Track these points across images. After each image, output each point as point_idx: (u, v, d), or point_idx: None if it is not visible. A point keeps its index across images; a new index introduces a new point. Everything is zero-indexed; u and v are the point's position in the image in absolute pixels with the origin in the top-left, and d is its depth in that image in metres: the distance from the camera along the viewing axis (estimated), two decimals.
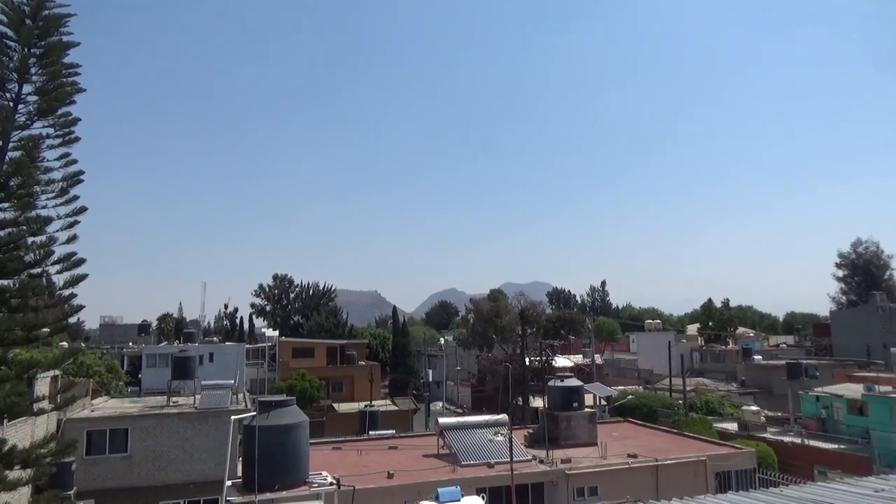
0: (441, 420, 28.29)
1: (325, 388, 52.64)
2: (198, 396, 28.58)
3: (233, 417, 20.02)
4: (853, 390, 37.40)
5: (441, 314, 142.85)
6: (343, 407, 50.11)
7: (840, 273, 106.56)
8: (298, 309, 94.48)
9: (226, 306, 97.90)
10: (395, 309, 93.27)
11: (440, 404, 55.09)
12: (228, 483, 17.71)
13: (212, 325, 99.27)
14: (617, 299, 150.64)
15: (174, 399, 29.45)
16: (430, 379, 57.18)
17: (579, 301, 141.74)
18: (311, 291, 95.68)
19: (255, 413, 19.09)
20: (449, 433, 25.91)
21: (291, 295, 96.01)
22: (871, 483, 11.97)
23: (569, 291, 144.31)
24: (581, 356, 66.48)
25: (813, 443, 33.77)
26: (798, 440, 34.35)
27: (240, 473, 19.32)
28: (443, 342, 74.04)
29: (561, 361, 58.15)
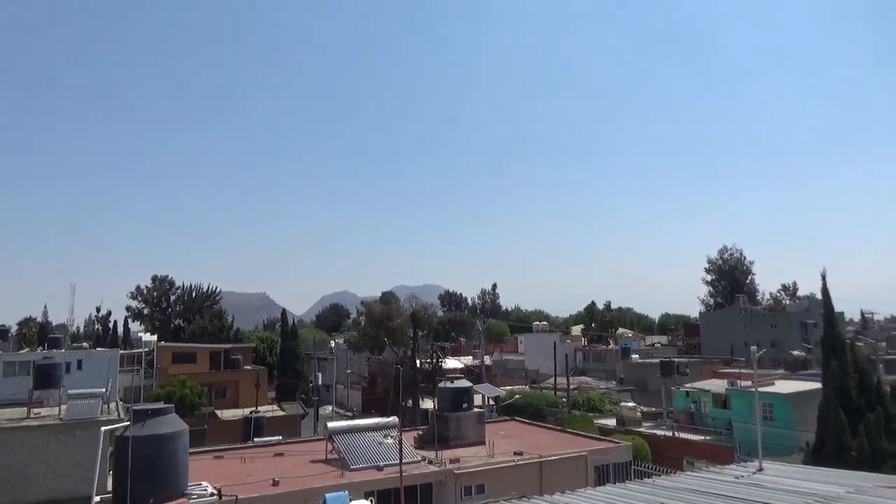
0: (330, 424, 27.75)
1: (207, 395, 50.34)
2: (63, 407, 26.41)
3: (103, 428, 18.62)
4: (718, 386, 40.45)
5: (332, 317, 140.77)
6: (226, 414, 48.10)
7: (708, 277, 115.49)
8: (180, 312, 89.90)
9: (98, 309, 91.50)
10: (284, 311, 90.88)
11: (329, 408, 54.25)
12: (97, 499, 16.46)
13: (81, 330, 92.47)
14: (506, 302, 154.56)
15: (36, 410, 27.05)
16: (320, 383, 56.09)
17: (470, 303, 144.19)
18: (193, 293, 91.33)
19: (128, 423, 17.89)
20: (338, 437, 25.44)
21: (172, 297, 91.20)
22: (732, 471, 12.93)
23: (460, 294, 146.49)
24: (471, 357, 67.65)
25: (683, 435, 36.19)
26: (670, 433, 36.70)
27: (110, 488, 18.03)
28: (333, 345, 72.98)
29: (451, 363, 58.91)
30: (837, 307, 27.61)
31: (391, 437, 23.50)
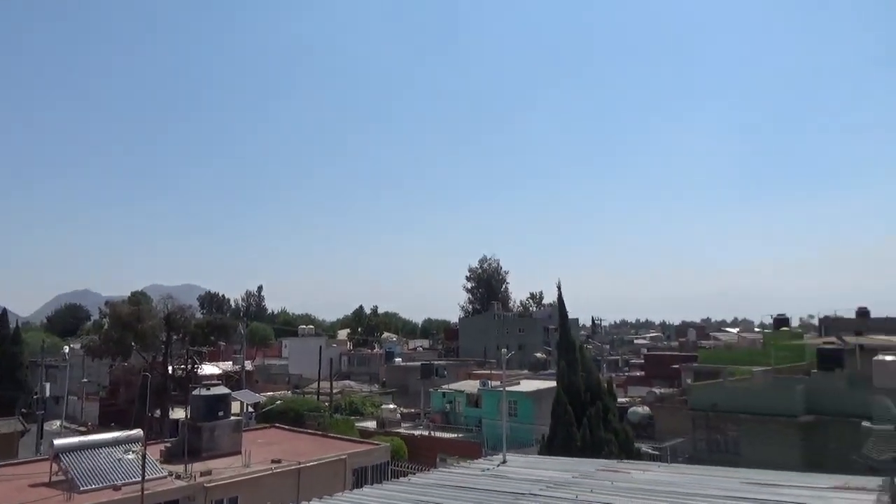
0: (57, 441, 24.28)
1: None
2: None
3: None
4: (472, 386, 43.38)
5: (68, 318, 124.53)
6: None
7: (469, 285, 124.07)
8: None
9: None
10: (4, 311, 77.97)
11: (58, 423, 47.69)
12: None
13: None
14: (273, 304, 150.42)
15: None
16: (48, 394, 49.09)
17: (233, 305, 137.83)
18: None
19: None
20: (66, 455, 22.35)
21: None
22: (479, 464, 13.84)
23: (222, 296, 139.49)
24: (231, 363, 64.43)
25: (438, 434, 38.11)
26: (426, 432, 38.41)
27: None
28: (67, 351, 64.54)
29: (209, 369, 55.40)
30: (576, 314, 31.50)
31: (133, 451, 21.39)
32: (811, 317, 68.66)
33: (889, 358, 29.59)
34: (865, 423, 12.67)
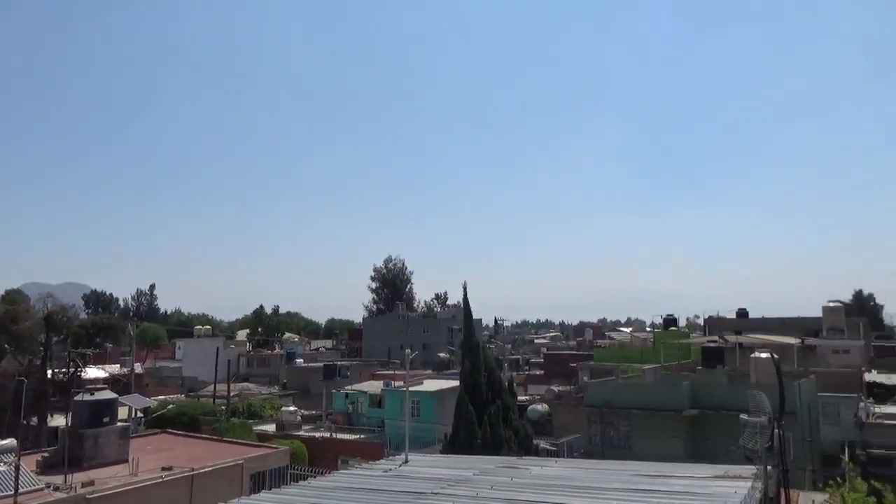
0: None
1: None
2: None
3: None
4: (375, 386, 43.14)
5: None
6: None
7: (374, 285, 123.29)
8: None
9: None
10: None
11: None
12: None
13: None
14: (167, 304, 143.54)
15: None
16: None
17: (122, 305, 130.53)
18: None
19: None
20: None
21: None
22: (381, 465, 13.75)
23: (110, 295, 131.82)
24: (119, 366, 60.89)
25: (340, 435, 37.61)
26: (328, 434, 37.81)
27: None
28: None
29: (93, 372, 52.11)
30: (479, 314, 32.09)
31: (5, 462, 19.78)
32: (697, 317, 73.46)
33: (764, 355, 32.03)
34: (743, 416, 13.63)
